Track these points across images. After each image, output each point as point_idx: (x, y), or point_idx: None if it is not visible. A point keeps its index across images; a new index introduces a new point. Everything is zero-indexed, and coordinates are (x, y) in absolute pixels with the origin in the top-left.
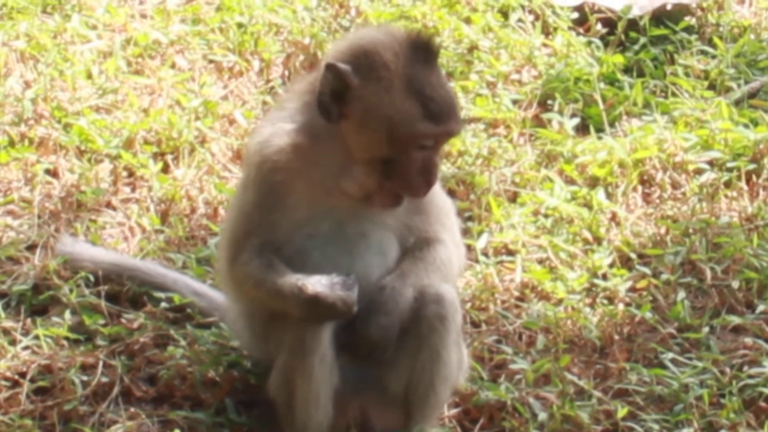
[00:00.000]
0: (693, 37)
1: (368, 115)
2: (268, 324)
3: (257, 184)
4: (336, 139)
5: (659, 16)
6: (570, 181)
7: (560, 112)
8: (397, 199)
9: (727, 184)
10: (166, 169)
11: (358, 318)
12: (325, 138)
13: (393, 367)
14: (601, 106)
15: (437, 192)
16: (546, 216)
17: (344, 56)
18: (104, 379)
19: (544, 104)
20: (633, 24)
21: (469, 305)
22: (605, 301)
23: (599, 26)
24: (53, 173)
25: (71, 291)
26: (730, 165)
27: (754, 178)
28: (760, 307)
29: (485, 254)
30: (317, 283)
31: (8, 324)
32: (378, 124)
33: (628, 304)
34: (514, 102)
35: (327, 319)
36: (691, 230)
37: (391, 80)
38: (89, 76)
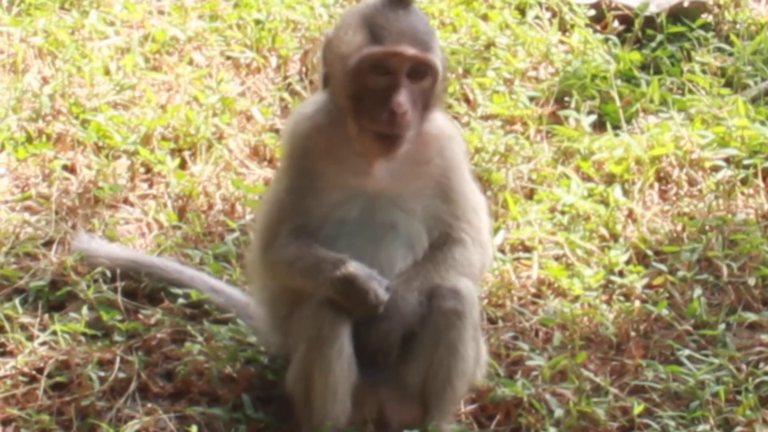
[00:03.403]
0: (710, 35)
1: (331, 59)
2: (289, 314)
3: (290, 171)
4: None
5: (676, 14)
6: (587, 178)
7: (577, 109)
8: (383, 140)
9: (744, 181)
10: (183, 166)
11: (361, 323)
12: (341, 118)
13: (410, 361)
14: (618, 103)
15: (469, 183)
16: (562, 213)
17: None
18: (121, 375)
19: (560, 101)
20: (650, 21)
21: (485, 302)
22: (622, 298)
23: (616, 23)
24: (71, 169)
25: (88, 287)
26: (746, 162)
27: None
28: None
29: (502, 251)
30: (359, 266)
31: (26, 320)
32: (336, 63)
33: (644, 301)
34: (531, 99)
35: (353, 305)
36: (707, 227)
37: (351, 23)
38: (107, 72)
